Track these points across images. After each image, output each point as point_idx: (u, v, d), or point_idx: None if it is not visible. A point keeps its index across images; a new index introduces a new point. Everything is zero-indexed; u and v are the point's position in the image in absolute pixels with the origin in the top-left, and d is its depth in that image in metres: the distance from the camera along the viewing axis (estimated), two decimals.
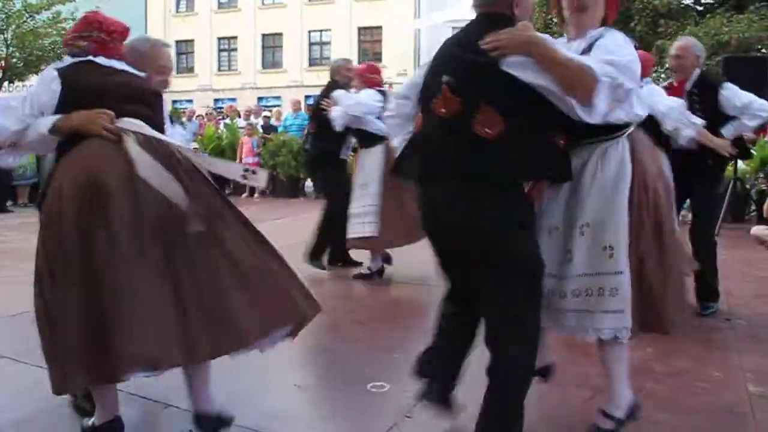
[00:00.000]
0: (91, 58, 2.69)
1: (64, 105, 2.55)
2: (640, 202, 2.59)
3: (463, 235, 2.35)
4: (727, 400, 3.20)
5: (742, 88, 7.90)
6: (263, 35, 33.34)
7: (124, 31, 2.86)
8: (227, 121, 15.08)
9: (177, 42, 34.57)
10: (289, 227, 8.61)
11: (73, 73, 2.63)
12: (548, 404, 3.15)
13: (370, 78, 5.88)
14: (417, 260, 5.71)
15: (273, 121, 14.78)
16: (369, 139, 5.71)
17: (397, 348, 3.97)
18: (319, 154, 6.14)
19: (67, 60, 2.72)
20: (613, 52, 2.34)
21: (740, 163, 9.07)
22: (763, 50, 14.92)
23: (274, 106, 26.12)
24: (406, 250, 5.66)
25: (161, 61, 3.06)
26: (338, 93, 5.79)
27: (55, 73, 2.60)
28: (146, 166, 2.41)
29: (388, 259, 6.02)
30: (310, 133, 6.31)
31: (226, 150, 13.49)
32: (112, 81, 2.66)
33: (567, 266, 2.55)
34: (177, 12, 35.14)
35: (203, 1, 34.24)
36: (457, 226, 2.35)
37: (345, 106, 5.62)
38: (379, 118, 5.42)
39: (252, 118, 14.60)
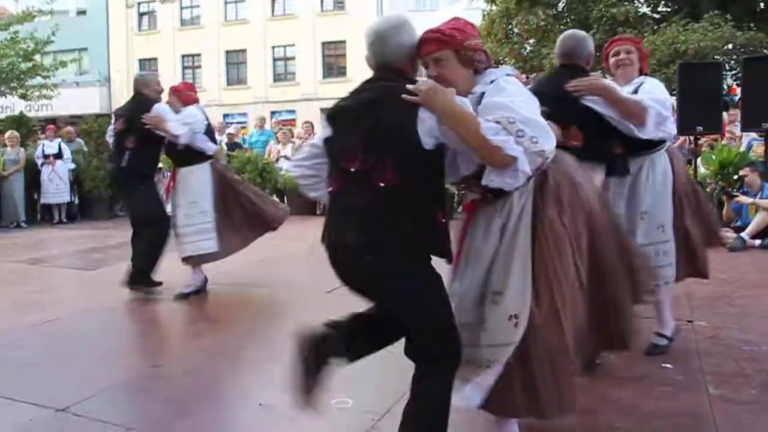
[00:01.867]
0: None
1: None
2: (680, 195, 3.78)
3: None
4: (688, 403, 3.23)
5: (698, 94, 8.13)
6: (227, 52, 33.19)
7: None
8: None
9: (140, 61, 34.33)
10: (255, 245, 8.53)
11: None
12: None
13: (188, 95, 5.82)
14: None
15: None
16: (191, 156, 5.67)
17: (360, 365, 3.94)
18: (135, 171, 5.70)
19: (506, 70, 2.52)
20: (654, 92, 3.54)
21: (700, 167, 9.24)
22: (717, 57, 15.25)
23: (240, 122, 26.01)
24: None
25: None
26: (162, 108, 5.59)
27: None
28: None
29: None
30: (129, 148, 5.62)
31: None
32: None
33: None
34: (140, 30, 34.83)
35: (166, 19, 34.01)
36: None
37: (190, 123, 5.54)
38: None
39: (216, 134, 14.50)
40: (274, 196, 13.30)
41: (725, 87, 15.86)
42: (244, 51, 32.82)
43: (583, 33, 3.78)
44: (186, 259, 5.74)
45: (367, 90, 2.51)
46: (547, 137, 2.29)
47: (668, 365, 3.72)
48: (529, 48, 19.41)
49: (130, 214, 5.97)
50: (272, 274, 5.96)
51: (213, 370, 3.89)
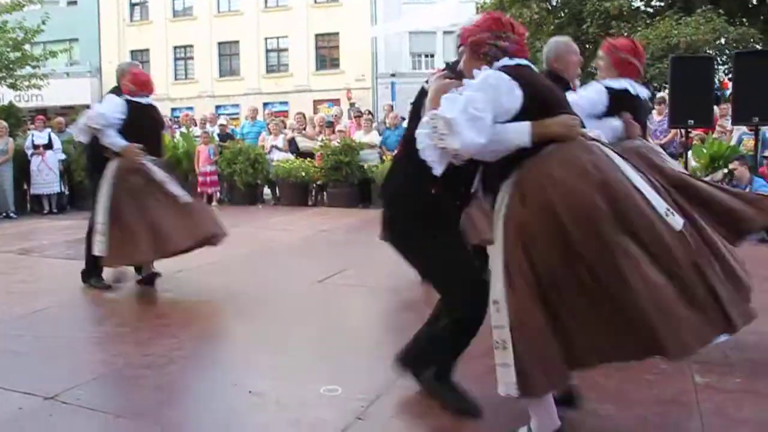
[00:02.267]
0: (522, 61, 2.64)
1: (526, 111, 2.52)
2: None
3: None
4: (673, 391, 3.27)
5: (690, 87, 8.16)
6: (219, 43, 33.07)
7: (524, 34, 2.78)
8: (183, 129, 14.91)
9: (132, 52, 34.17)
10: (247, 235, 8.55)
11: (526, 77, 2.56)
12: (498, 401, 3.17)
13: (124, 85, 5.54)
14: (374, 265, 5.75)
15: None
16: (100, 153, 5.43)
17: (349, 352, 3.97)
18: (90, 160, 5.71)
19: (504, 61, 2.61)
20: None
21: (691, 161, 9.29)
22: (709, 51, 15.31)
23: (233, 114, 25.94)
24: (366, 255, 5.66)
25: None
26: (101, 104, 5.61)
27: (508, 77, 2.50)
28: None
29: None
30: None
31: (182, 159, 13.33)
32: (551, 86, 2.72)
33: None
34: (131, 21, 34.67)
35: (158, 10, 33.83)
36: None
37: (87, 118, 5.38)
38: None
39: (208, 126, 14.46)
40: (266, 186, 13.35)
41: (717, 81, 15.94)
42: (237, 42, 32.71)
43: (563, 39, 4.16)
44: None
45: None
46: (454, 136, 2.40)
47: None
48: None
49: None
50: (262, 264, 5.96)
51: (202, 359, 3.90)
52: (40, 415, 3.10)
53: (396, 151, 3.12)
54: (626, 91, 3.97)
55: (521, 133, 2.49)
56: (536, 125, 2.50)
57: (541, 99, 2.56)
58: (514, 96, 2.49)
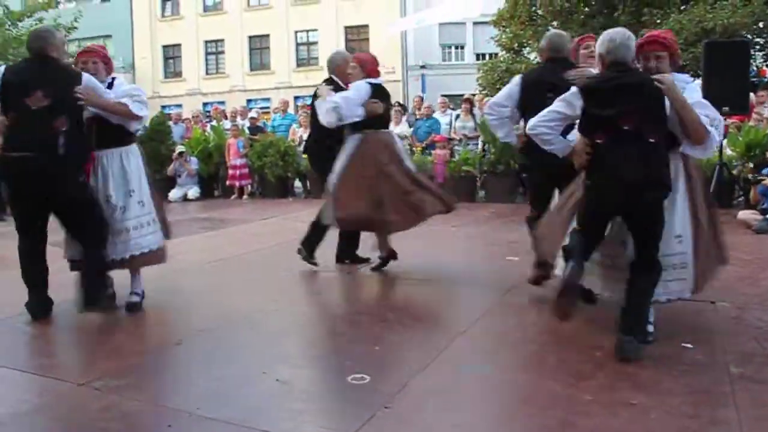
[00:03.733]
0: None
1: None
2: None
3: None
4: (707, 381, 3.19)
5: (725, 73, 7.98)
6: (250, 37, 33.26)
7: None
8: (213, 123, 15.03)
9: (164, 47, 34.56)
10: (278, 227, 8.58)
11: None
12: (528, 391, 3.14)
13: (111, 60, 4.86)
14: (403, 257, 5.72)
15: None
16: (119, 137, 4.65)
17: (378, 341, 3.96)
18: (75, 160, 4.42)
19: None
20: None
21: (726, 149, 9.08)
22: (748, 36, 14.93)
23: (264, 107, 26.06)
24: (395, 247, 5.65)
25: None
26: (92, 79, 4.44)
27: None
28: None
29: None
30: (62, 131, 4.29)
31: (213, 152, 13.45)
32: None
33: None
34: (163, 17, 35.01)
35: (189, 4, 34.12)
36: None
37: (144, 101, 4.69)
38: None
39: (238, 119, 14.55)
40: (297, 179, 13.39)
41: (754, 68, 15.55)
42: (267, 36, 32.87)
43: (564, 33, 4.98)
44: (125, 262, 4.69)
45: (625, 77, 3.55)
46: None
47: (689, 345, 3.67)
48: (553, 30, 19.18)
49: (61, 214, 4.52)
50: (292, 255, 5.96)
51: (231, 347, 3.92)
52: (73, 401, 3.14)
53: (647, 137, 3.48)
54: None
55: None
56: None
57: None
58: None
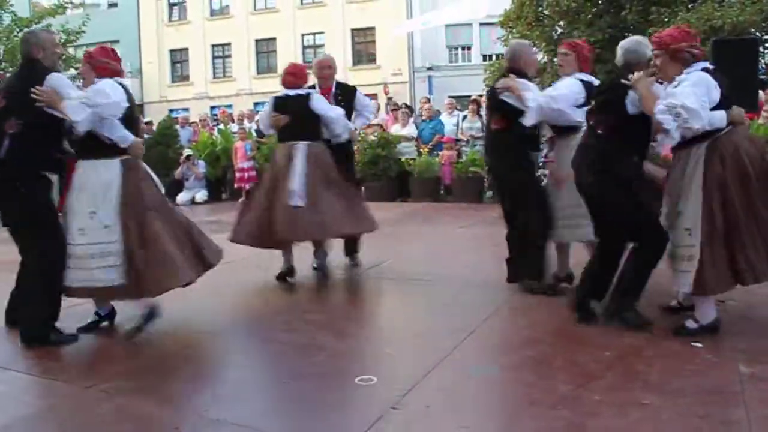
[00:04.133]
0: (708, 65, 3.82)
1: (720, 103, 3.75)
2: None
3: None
4: (717, 381, 3.17)
5: (733, 71, 7.90)
6: (257, 41, 33.29)
7: None
8: (221, 126, 15.07)
9: (171, 51, 34.63)
10: None
11: (718, 78, 3.73)
12: (536, 391, 3.12)
13: (103, 64, 4.26)
14: (412, 258, 5.72)
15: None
16: (97, 148, 4.08)
17: (387, 343, 3.95)
18: (19, 166, 3.99)
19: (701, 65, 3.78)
20: (558, 88, 4.77)
21: None
22: (757, 34, 14.82)
23: None
24: (404, 248, 5.64)
25: None
26: (58, 79, 4.06)
27: (711, 77, 3.70)
28: None
29: None
30: (8, 134, 3.96)
31: (221, 155, 13.47)
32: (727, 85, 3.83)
33: None
34: (170, 21, 35.09)
35: (196, 9, 34.19)
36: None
37: (96, 104, 3.95)
38: None
39: (245, 122, 14.57)
40: None
41: (763, 65, 15.44)
42: (273, 39, 32.89)
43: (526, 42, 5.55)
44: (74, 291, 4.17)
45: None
46: (696, 118, 3.53)
47: (698, 344, 3.64)
48: (560, 30, 19.07)
49: (10, 227, 4.18)
50: (300, 258, 5.96)
51: (240, 349, 3.91)
52: (79, 404, 3.14)
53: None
54: None
55: (722, 118, 3.68)
56: (729, 114, 3.69)
57: (727, 95, 3.68)
58: (715, 92, 3.65)
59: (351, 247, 6.02)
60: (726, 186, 3.65)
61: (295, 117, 5.39)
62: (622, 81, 3.85)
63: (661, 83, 3.90)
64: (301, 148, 5.34)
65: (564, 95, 4.64)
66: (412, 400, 3.03)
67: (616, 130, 3.92)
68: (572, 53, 4.83)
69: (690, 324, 3.81)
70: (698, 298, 3.80)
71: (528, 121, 4.68)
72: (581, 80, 4.70)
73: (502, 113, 4.90)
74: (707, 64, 3.85)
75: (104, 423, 2.93)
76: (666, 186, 4.05)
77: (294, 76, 5.59)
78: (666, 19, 15.80)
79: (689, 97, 3.56)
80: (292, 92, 5.51)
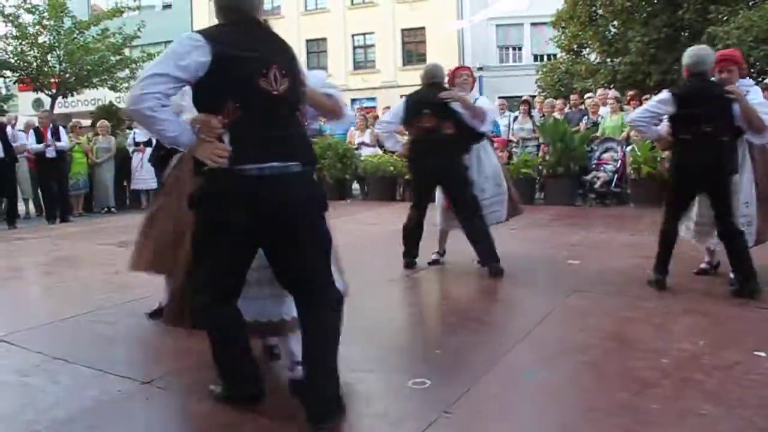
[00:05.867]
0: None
1: None
2: None
3: None
4: None
5: None
6: (307, 41, 33.55)
7: None
8: None
9: None
10: (335, 229, 8.60)
11: None
12: (592, 398, 3.08)
13: None
14: (464, 258, 5.69)
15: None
16: None
17: (439, 345, 3.94)
18: None
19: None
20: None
21: None
22: None
23: None
24: (455, 248, 5.62)
25: None
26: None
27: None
28: None
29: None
30: None
31: None
32: None
33: None
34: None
35: None
36: None
37: None
38: None
39: None
40: (355, 181, 13.46)
41: None
42: (324, 40, 33.11)
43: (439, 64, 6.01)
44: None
45: (705, 87, 4.76)
46: None
47: (761, 353, 3.54)
48: (613, 30, 18.76)
49: None
50: (351, 258, 5.96)
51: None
52: (137, 398, 3.21)
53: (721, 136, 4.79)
54: None
55: None
56: None
57: None
58: None
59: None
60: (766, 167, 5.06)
61: None
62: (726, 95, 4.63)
63: None
64: None
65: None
66: (465, 405, 3.01)
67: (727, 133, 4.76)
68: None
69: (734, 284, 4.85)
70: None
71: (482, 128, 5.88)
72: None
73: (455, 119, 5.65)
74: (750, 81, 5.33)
75: (160, 419, 2.99)
76: None
77: None
78: (725, 18, 15.39)
79: None
80: None
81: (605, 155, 10.96)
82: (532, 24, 28.19)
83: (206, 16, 34.89)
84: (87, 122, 15.66)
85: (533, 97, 14.88)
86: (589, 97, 12.94)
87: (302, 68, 2.88)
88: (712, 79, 4.87)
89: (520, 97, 14.19)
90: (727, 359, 3.49)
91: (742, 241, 4.75)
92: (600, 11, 18.54)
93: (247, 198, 2.67)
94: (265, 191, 2.66)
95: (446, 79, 6.00)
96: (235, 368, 2.94)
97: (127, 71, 20.77)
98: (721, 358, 3.50)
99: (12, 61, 19.56)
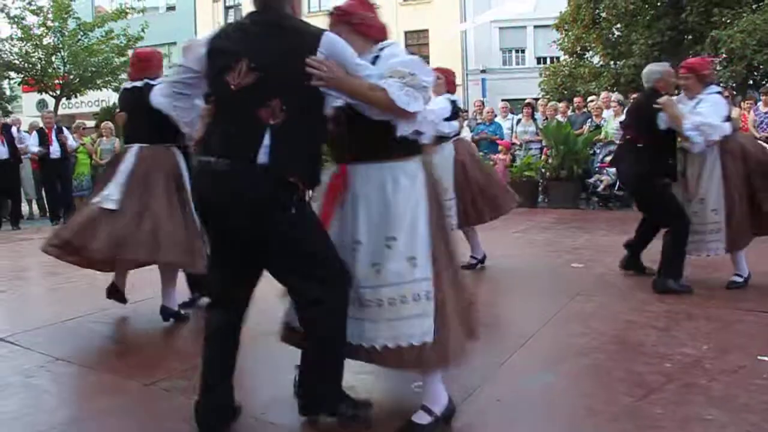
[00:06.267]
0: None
1: None
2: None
3: None
4: None
5: None
6: None
7: None
8: None
9: None
10: None
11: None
12: (596, 402, 3.07)
13: None
14: (462, 264, 5.67)
15: None
16: None
17: None
18: None
19: (715, 88, 5.19)
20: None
21: None
22: None
23: None
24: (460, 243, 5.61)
25: None
26: None
27: (724, 100, 5.15)
28: None
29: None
30: None
31: None
32: None
33: None
34: (226, 23, 35.70)
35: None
36: None
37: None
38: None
39: None
40: None
41: None
42: None
43: None
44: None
45: (637, 99, 5.85)
46: (718, 132, 4.86)
47: (765, 358, 3.53)
48: (617, 33, 18.73)
49: None
50: None
51: (297, 352, 3.93)
52: (140, 400, 3.21)
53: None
54: None
55: (729, 128, 4.95)
56: (732, 123, 4.96)
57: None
58: (726, 109, 4.99)
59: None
60: (739, 174, 4.98)
61: None
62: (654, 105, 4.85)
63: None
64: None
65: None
66: (468, 409, 3.01)
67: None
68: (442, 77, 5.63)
69: (736, 278, 5.12)
70: (736, 254, 5.12)
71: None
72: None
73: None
74: (719, 87, 5.36)
75: (163, 421, 2.99)
76: (683, 182, 5.17)
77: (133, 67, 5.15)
78: (728, 21, 15.37)
79: (712, 116, 4.82)
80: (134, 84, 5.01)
81: (608, 158, 10.96)
82: (535, 27, 28.16)
83: (209, 18, 35.01)
84: (91, 123, 15.68)
85: (536, 99, 14.88)
86: (592, 100, 12.93)
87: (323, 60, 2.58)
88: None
89: (523, 99, 14.20)
90: (731, 364, 3.48)
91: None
92: (603, 14, 18.50)
93: (193, 189, 3.00)
94: (198, 184, 2.76)
95: None
96: (202, 377, 2.86)
97: None
98: (726, 363, 3.49)
99: (17, 62, 19.60)
